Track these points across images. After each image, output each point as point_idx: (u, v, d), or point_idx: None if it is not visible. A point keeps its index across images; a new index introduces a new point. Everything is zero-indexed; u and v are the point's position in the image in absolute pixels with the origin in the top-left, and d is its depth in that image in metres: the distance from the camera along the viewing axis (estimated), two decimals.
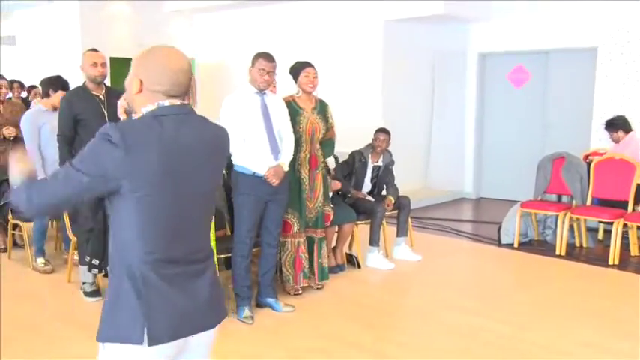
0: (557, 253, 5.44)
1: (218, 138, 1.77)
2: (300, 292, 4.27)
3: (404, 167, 6.32)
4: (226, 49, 9.06)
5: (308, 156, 4.19)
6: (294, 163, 4.07)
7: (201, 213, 1.74)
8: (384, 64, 7.63)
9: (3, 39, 10.51)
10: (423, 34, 8.00)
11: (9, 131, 5.13)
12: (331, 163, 5.04)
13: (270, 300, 4.02)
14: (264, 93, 3.83)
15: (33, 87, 6.13)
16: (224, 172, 3.99)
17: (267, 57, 3.78)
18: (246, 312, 3.83)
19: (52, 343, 3.47)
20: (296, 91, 4.22)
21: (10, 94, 5.55)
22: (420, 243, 5.63)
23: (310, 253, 4.33)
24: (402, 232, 5.29)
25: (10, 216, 5.06)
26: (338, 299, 4.29)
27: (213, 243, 3.66)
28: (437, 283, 4.73)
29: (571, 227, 5.62)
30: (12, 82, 6.50)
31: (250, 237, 3.82)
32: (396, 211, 5.26)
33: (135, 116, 1.70)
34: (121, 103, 2.04)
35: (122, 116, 2.03)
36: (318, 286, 4.41)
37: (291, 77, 4.25)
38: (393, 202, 5.16)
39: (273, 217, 3.89)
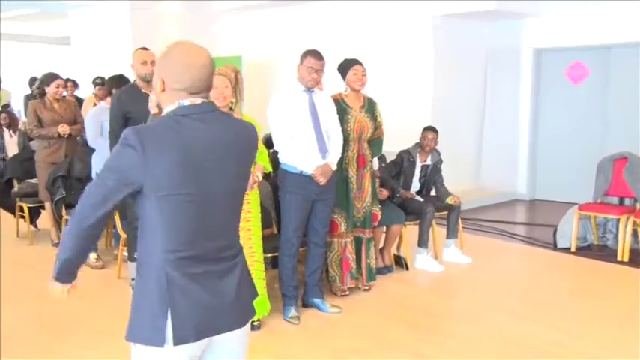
0: (619, 258, 5.23)
1: (243, 135, 1.76)
2: (347, 293, 4.26)
3: (454, 167, 6.22)
4: (273, 47, 9.13)
5: (356, 155, 4.17)
6: (341, 162, 4.06)
7: (227, 211, 1.73)
8: (435, 62, 7.53)
9: (58, 39, 10.94)
10: (475, 30, 7.85)
11: (63, 129, 5.32)
12: (375, 163, 5.00)
13: (316, 300, 4.03)
14: (312, 91, 3.84)
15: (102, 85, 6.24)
16: (271, 170, 4.04)
17: (316, 55, 3.78)
18: (293, 312, 3.86)
19: (102, 338, 3.59)
20: (344, 88, 4.21)
21: (65, 93, 5.74)
22: (471, 245, 5.53)
23: (358, 253, 4.32)
24: (452, 233, 5.22)
25: (63, 211, 5.25)
26: (385, 301, 4.26)
27: (259, 242, 3.70)
28: (487, 286, 4.64)
29: (634, 232, 5.39)
30: (66, 80, 6.74)
31: (297, 236, 3.83)
32: (446, 212, 5.20)
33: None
34: (152, 97, 2.05)
35: (153, 110, 2.04)
36: (366, 288, 4.39)
37: (338, 75, 4.25)
38: (457, 200, 5.11)
39: (320, 217, 3.89)
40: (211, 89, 1.74)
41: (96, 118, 4.95)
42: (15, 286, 4.47)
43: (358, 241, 4.31)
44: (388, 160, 5.31)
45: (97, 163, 4.85)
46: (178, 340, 1.60)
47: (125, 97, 4.24)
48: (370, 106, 4.27)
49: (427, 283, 4.80)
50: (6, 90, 11.18)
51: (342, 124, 4.02)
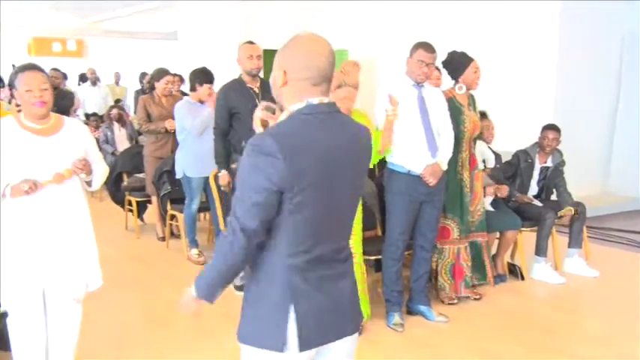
0: None
1: (363, 138, 1.82)
2: (455, 301, 4.24)
3: (579, 169, 5.94)
4: (382, 42, 9.13)
5: (468, 155, 4.17)
6: (455, 164, 4.06)
7: (347, 214, 1.81)
8: (560, 49, 7.19)
9: (168, 34, 11.66)
10: (611, 11, 7.38)
11: (170, 124, 5.67)
12: (490, 160, 4.89)
13: (422, 308, 4.04)
14: (422, 86, 3.84)
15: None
16: (377, 169, 4.10)
17: (428, 47, 3.77)
18: (397, 319, 3.90)
19: (205, 335, 3.82)
20: (458, 86, 4.18)
21: (172, 89, 6.10)
22: (598, 257, 5.27)
23: (479, 258, 4.36)
24: (575, 242, 5.01)
25: (168, 206, 5.62)
26: (497, 313, 4.19)
27: (359, 243, 3.76)
28: (618, 305, 4.40)
29: None
30: (173, 75, 7.16)
31: (403, 240, 3.86)
32: (569, 219, 4.99)
33: (283, 116, 1.73)
34: (258, 115, 1.97)
35: (258, 129, 1.94)
36: (476, 297, 4.34)
37: (442, 69, 4.21)
38: (573, 212, 4.92)
39: (428, 220, 3.89)
40: (332, 82, 1.77)
41: (181, 113, 5.14)
42: (123, 279, 4.85)
43: (478, 247, 4.33)
44: (503, 161, 5.18)
45: (180, 159, 5.12)
46: (303, 346, 1.68)
47: (231, 92, 4.45)
48: (473, 102, 4.27)
49: (545, 296, 4.64)
50: (123, 86, 12.21)
51: (458, 125, 4.02)
